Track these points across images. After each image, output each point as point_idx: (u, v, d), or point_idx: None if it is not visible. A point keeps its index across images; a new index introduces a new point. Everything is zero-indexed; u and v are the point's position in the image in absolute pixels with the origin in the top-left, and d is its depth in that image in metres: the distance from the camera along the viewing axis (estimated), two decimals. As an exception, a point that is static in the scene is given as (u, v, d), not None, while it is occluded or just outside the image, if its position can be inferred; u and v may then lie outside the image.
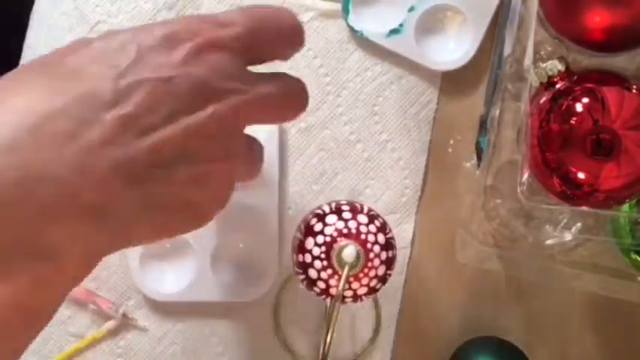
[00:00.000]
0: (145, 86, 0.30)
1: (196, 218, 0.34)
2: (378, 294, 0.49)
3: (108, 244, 0.31)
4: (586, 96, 0.44)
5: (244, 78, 0.33)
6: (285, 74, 0.37)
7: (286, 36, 0.37)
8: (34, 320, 0.31)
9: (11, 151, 0.27)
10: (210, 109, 0.31)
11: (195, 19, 0.33)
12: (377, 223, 0.45)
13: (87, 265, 0.31)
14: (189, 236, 0.51)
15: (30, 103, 0.28)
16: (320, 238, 0.44)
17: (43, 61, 0.31)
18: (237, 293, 0.53)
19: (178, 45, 0.31)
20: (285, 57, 0.38)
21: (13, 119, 0.28)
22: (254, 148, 0.39)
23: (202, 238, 0.52)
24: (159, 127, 0.30)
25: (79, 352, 0.54)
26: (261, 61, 0.36)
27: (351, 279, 0.44)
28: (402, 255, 0.54)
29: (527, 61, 0.45)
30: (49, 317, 0.31)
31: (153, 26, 0.32)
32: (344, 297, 0.45)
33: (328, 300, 0.46)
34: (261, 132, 0.41)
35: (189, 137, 0.31)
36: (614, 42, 0.45)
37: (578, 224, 0.50)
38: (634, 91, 0.44)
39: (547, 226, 0.50)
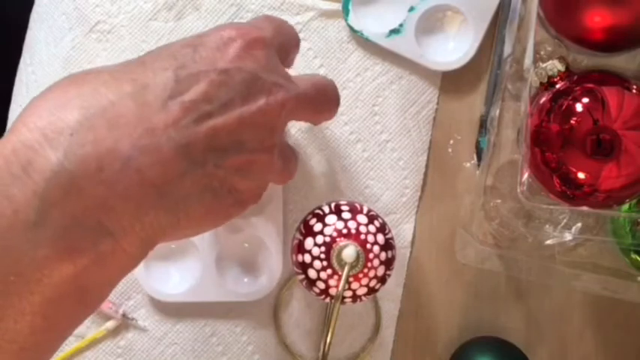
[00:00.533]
0: (203, 78, 0.33)
1: (236, 206, 0.36)
2: (378, 294, 0.50)
3: (164, 225, 0.32)
4: (586, 96, 0.44)
5: (286, 75, 0.37)
6: (318, 75, 0.41)
7: (294, 45, 0.41)
8: (89, 300, 0.32)
9: (87, 128, 0.29)
10: (262, 100, 0.34)
11: (235, 23, 0.37)
12: (376, 223, 0.45)
13: (144, 246, 0.32)
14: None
15: (103, 90, 0.31)
16: (319, 239, 0.44)
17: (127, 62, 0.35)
18: (241, 293, 0.53)
19: (231, 43, 0.35)
20: (292, 61, 0.42)
21: (88, 102, 0.30)
22: (289, 147, 0.42)
23: (206, 238, 0.52)
24: (216, 114, 0.33)
25: (79, 352, 0.54)
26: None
27: (351, 279, 0.44)
28: (402, 255, 0.54)
29: (527, 61, 0.45)
30: (103, 299, 0.32)
31: (207, 31, 0.36)
32: (343, 297, 0.45)
33: (328, 300, 0.46)
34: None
35: (242, 125, 0.34)
36: (614, 42, 0.45)
37: (578, 224, 0.50)
38: (634, 91, 0.44)
39: (547, 226, 0.50)
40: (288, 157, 0.41)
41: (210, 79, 0.33)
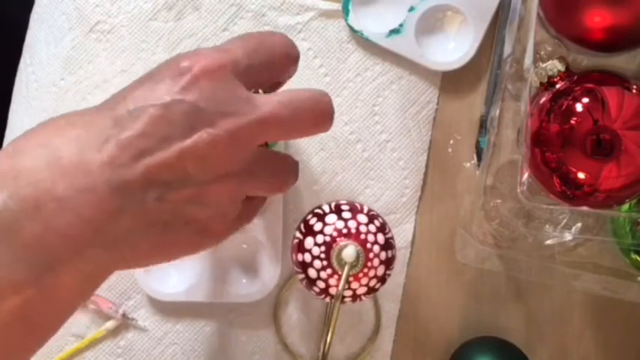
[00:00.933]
0: (142, 114, 0.33)
1: (202, 235, 0.37)
2: (378, 294, 0.50)
3: (108, 260, 0.34)
4: (586, 96, 0.44)
5: (242, 102, 0.35)
6: (303, 91, 0.38)
7: (281, 59, 0.39)
8: (39, 332, 0.34)
9: (30, 171, 0.32)
10: (203, 133, 0.34)
11: (197, 50, 0.36)
12: (377, 223, 0.45)
13: (90, 281, 0.34)
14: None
15: (54, 136, 0.33)
16: (320, 238, 0.44)
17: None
18: (240, 294, 0.53)
19: (179, 75, 0.34)
20: (282, 79, 0.40)
21: (38, 148, 0.33)
22: (281, 160, 0.41)
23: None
24: (154, 150, 0.33)
25: (79, 352, 0.54)
26: (260, 85, 0.38)
27: (351, 279, 0.44)
28: (402, 255, 0.54)
29: (527, 61, 0.45)
30: (54, 331, 0.34)
31: (162, 64, 0.35)
32: (343, 297, 0.45)
33: (328, 300, 0.46)
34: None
35: (183, 159, 0.33)
36: (614, 42, 0.45)
37: (578, 224, 0.50)
38: (634, 91, 0.44)
39: (547, 226, 0.50)
40: (278, 170, 0.40)
41: (150, 114, 0.33)
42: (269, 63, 0.38)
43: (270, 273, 0.53)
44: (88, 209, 0.32)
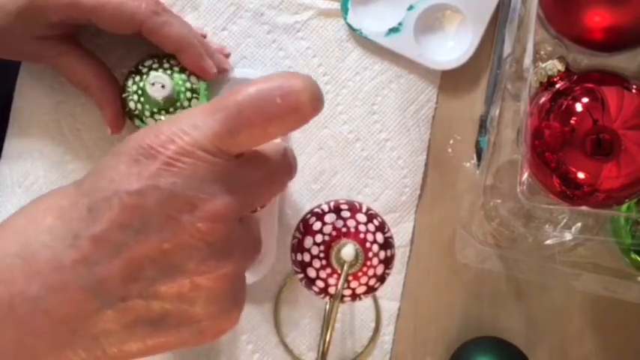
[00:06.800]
0: (115, 203, 0.30)
1: (199, 334, 0.32)
2: (378, 293, 0.49)
3: (89, 359, 0.31)
4: (586, 96, 0.44)
5: (223, 179, 0.31)
6: (272, 156, 0.34)
7: (272, 117, 0.31)
8: None
9: (4, 269, 0.30)
10: (183, 221, 0.30)
11: (170, 126, 0.31)
12: (376, 222, 0.45)
13: None
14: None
15: (29, 226, 0.31)
16: (319, 237, 0.44)
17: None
18: None
19: (152, 156, 0.30)
20: (274, 137, 0.33)
21: (12, 242, 0.30)
22: (252, 238, 0.36)
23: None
24: (132, 242, 0.30)
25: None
26: (241, 151, 0.33)
27: (350, 278, 0.44)
28: (402, 254, 0.54)
29: (527, 60, 0.45)
30: None
31: (129, 139, 0.31)
32: (343, 296, 0.44)
33: (327, 299, 0.45)
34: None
35: (165, 252, 0.30)
36: (614, 42, 0.45)
37: (578, 224, 0.50)
38: (634, 91, 0.44)
39: (547, 226, 0.50)
40: (253, 247, 0.36)
41: (123, 202, 0.30)
42: (255, 126, 0.31)
43: (265, 258, 0.53)
44: (61, 309, 0.30)
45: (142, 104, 0.49)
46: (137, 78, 0.49)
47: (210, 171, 0.31)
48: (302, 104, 0.31)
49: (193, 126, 0.31)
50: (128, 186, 0.30)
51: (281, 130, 0.32)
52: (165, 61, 0.50)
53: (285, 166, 0.35)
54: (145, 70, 0.49)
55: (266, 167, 0.34)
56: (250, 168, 0.33)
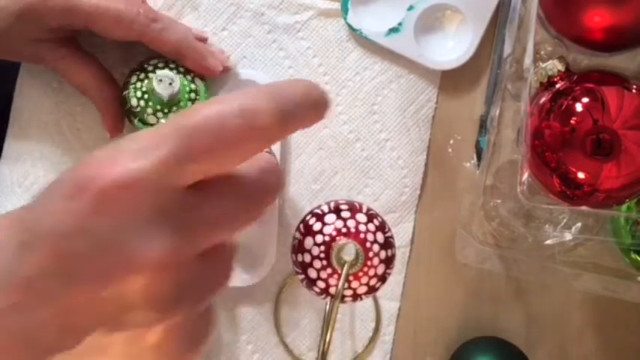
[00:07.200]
0: (46, 243, 0.26)
1: None
2: (378, 293, 0.49)
3: None
4: (586, 96, 0.44)
5: (169, 217, 0.26)
6: (250, 174, 0.29)
7: (231, 142, 0.26)
8: None
9: None
10: (116, 273, 0.26)
11: (108, 152, 0.26)
12: (376, 222, 0.45)
13: None
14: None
15: None
16: (319, 238, 0.44)
17: None
18: (235, 278, 0.53)
19: (84, 191, 0.25)
20: (237, 163, 0.28)
21: None
22: (215, 272, 0.30)
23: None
24: (65, 291, 0.26)
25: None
26: (195, 180, 0.27)
27: (351, 278, 0.44)
28: (402, 254, 0.54)
29: (527, 60, 0.45)
30: None
31: (71, 167, 0.27)
32: (343, 296, 0.45)
33: (328, 299, 0.45)
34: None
35: (99, 305, 0.26)
36: (614, 42, 0.45)
37: (578, 224, 0.50)
38: (634, 91, 0.44)
39: (547, 226, 0.50)
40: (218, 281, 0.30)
41: (54, 246, 0.25)
42: (219, 147, 0.26)
43: (266, 258, 0.53)
44: None
45: (145, 101, 0.49)
46: (142, 75, 0.49)
47: (153, 208, 0.26)
48: (265, 126, 0.26)
49: (136, 152, 0.26)
50: (62, 226, 0.26)
51: (245, 156, 0.27)
52: (170, 60, 0.50)
53: (264, 187, 0.29)
54: (150, 68, 0.49)
55: (234, 193, 0.28)
56: (209, 198, 0.27)
